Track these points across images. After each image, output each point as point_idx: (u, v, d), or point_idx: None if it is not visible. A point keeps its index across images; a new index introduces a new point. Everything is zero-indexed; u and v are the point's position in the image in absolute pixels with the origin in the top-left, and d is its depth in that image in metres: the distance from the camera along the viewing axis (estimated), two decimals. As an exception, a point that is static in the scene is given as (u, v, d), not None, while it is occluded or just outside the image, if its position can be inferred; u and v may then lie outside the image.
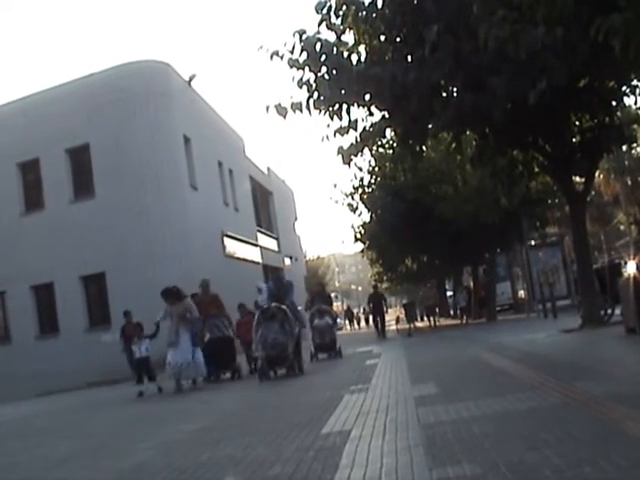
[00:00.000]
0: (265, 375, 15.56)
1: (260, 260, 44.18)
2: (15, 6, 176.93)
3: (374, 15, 15.70)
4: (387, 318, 35.72)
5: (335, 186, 48.83)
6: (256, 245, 44.17)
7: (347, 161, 17.26)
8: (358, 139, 16.92)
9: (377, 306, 33.67)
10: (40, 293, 31.08)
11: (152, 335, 17.46)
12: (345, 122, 16.38)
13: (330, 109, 16.08)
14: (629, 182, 48.50)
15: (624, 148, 37.57)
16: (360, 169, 36.45)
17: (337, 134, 16.40)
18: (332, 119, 16.22)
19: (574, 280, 29.50)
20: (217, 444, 7.56)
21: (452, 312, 51.65)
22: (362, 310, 76.25)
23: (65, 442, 10.15)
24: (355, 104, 16.44)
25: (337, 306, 55.43)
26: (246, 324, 18.51)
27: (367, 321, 64.83)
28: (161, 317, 17.12)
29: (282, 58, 15.68)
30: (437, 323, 41.80)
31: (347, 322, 71.58)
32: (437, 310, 48.23)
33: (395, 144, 21.83)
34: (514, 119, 15.91)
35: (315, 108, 15.99)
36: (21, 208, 32.34)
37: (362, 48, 16.33)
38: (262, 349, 15.63)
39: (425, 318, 46.85)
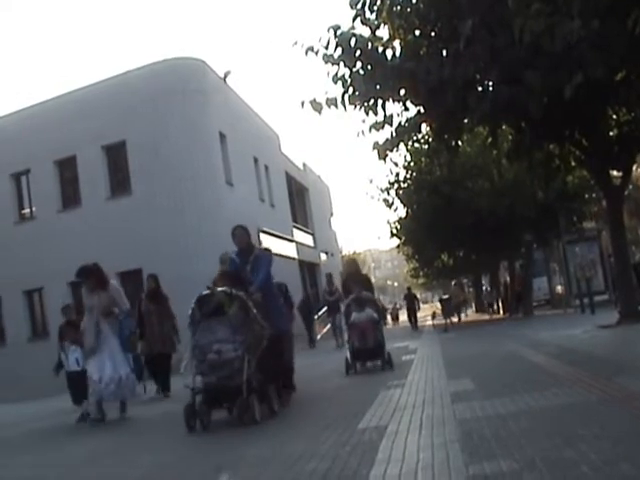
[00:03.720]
0: (200, 420, 8.85)
1: (296, 256, 44.21)
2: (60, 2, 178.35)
3: (409, 10, 15.69)
4: (423, 314, 40.87)
5: (371, 181, 49.00)
6: (292, 241, 44.20)
7: (383, 156, 17.25)
8: (393, 134, 16.89)
9: (410, 304, 41.11)
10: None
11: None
12: (380, 117, 16.37)
13: (365, 104, 16.08)
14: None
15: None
16: (396, 164, 36.34)
17: (372, 129, 16.39)
18: (367, 114, 16.22)
19: (611, 275, 29.31)
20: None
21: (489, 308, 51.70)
22: (395, 305, 76.05)
23: None
24: (390, 99, 16.42)
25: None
26: None
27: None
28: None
29: (317, 54, 15.69)
30: (461, 320, 41.52)
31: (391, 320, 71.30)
32: (463, 307, 48.20)
33: (430, 139, 21.72)
34: (550, 113, 15.79)
35: (350, 103, 15.98)
36: (58, 205, 32.59)
37: (397, 43, 16.32)
38: (196, 371, 9.02)
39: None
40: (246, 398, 8.60)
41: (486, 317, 46.23)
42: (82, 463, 8.15)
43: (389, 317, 71.55)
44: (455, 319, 37.53)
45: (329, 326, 31.81)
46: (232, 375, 8.85)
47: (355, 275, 16.14)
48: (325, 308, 30.52)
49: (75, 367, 13.05)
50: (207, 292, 9.51)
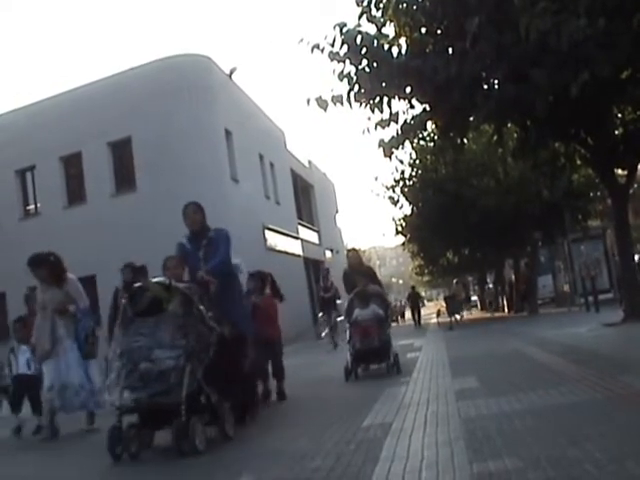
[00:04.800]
0: (127, 447, 7.08)
1: (301, 253, 44.24)
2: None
3: (415, 7, 15.67)
4: (428, 311, 46.69)
5: (376, 179, 49.09)
6: (297, 238, 44.23)
7: (388, 154, 17.22)
8: (399, 132, 16.86)
9: (414, 302, 43.60)
10: (83, 286, 31.20)
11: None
12: (386, 115, 16.35)
13: (371, 102, 16.06)
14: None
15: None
16: (401, 162, 36.28)
17: (378, 127, 16.36)
18: (373, 112, 16.20)
19: (616, 273, 29.27)
20: None
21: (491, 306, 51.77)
22: (399, 303, 75.98)
23: None
24: (396, 97, 16.41)
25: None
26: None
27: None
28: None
29: (323, 51, 15.67)
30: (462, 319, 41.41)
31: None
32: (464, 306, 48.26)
33: (436, 137, 21.71)
34: (556, 111, 15.78)
35: (356, 101, 15.98)
36: (64, 202, 32.64)
37: (403, 40, 16.29)
38: (124, 384, 7.20)
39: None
40: (185, 421, 6.74)
41: (489, 315, 46.20)
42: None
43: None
44: (459, 317, 37.47)
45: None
46: (168, 390, 6.95)
47: (358, 267, 14.36)
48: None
49: (25, 370, 11.34)
50: (139, 284, 7.91)
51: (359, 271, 13.94)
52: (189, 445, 6.69)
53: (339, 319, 23.05)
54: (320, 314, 26.58)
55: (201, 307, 7.45)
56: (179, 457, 6.66)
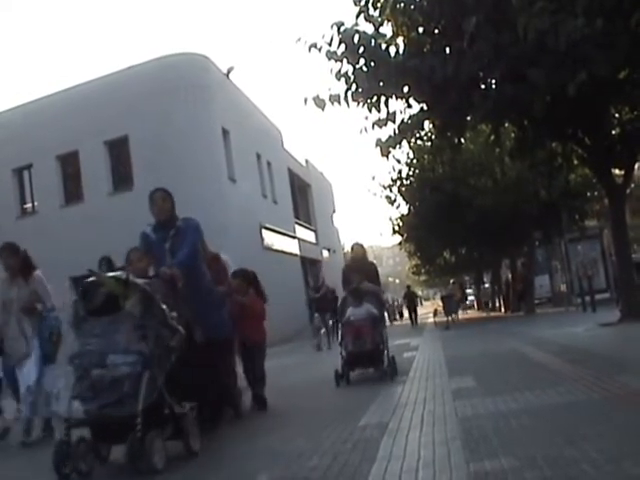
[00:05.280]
0: (75, 466, 6.05)
1: (298, 252, 44.30)
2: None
3: (412, 7, 15.67)
4: (425, 311, 40.89)
5: (373, 178, 49.13)
6: (294, 237, 44.30)
7: (385, 153, 17.22)
8: (396, 131, 16.87)
9: (411, 301, 43.54)
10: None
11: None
12: (383, 114, 16.35)
13: (368, 101, 16.07)
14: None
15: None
16: (398, 161, 36.27)
17: (375, 126, 16.36)
18: (370, 111, 16.20)
19: (613, 273, 29.29)
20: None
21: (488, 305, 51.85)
22: (397, 302, 76.11)
23: None
24: (393, 96, 16.41)
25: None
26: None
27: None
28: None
29: (320, 50, 15.66)
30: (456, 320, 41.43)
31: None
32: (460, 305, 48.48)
33: (433, 136, 21.71)
34: (553, 111, 15.80)
35: (353, 100, 15.97)
36: (61, 200, 32.66)
37: (400, 40, 16.28)
38: (73, 393, 6.23)
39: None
40: (141, 436, 5.80)
41: (486, 315, 46.27)
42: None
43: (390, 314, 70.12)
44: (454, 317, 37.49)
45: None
46: (121, 401, 5.99)
47: (359, 263, 13.41)
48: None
49: None
50: (92, 279, 6.84)
51: (360, 267, 13.04)
52: (146, 463, 5.83)
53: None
54: (316, 315, 25.60)
55: (163, 306, 6.56)
56: (138, 475, 5.90)
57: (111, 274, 6.93)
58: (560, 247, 35.22)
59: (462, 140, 19.85)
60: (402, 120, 16.95)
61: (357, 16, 15.91)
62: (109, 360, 6.18)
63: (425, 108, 17.13)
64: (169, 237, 7.93)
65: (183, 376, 6.76)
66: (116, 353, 6.21)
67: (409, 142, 25.26)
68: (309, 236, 50.16)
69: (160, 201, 8.19)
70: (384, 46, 16.15)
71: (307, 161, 54.87)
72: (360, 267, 13.06)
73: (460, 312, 43.92)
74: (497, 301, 49.01)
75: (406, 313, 68.99)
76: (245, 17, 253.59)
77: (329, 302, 24.47)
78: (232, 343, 9.13)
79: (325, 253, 53.05)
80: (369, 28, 16.12)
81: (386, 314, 15.23)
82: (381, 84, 15.91)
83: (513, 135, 20.59)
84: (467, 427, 6.18)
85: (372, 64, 15.84)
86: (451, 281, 48.75)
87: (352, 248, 14.25)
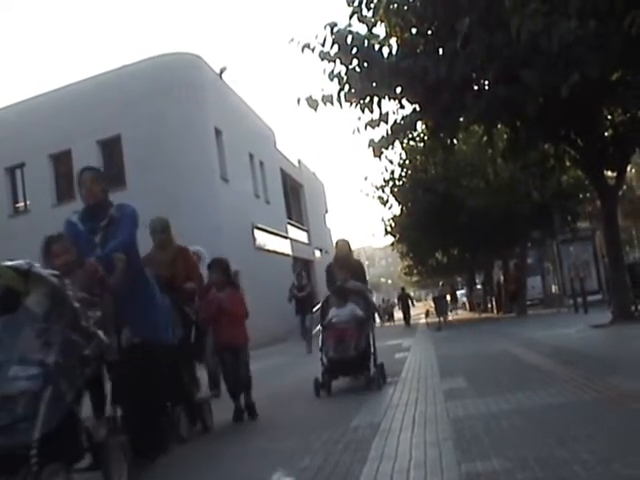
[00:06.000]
0: None
1: (290, 252, 44.29)
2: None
3: (405, 8, 15.67)
4: (417, 311, 47.44)
5: (366, 179, 49.21)
6: (286, 237, 44.29)
7: (378, 154, 17.24)
8: (389, 132, 16.87)
9: (404, 302, 44.37)
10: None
11: None
12: (376, 115, 16.35)
13: (361, 102, 16.06)
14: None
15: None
16: (391, 162, 36.30)
17: (368, 127, 16.37)
18: (363, 112, 16.20)
19: (605, 275, 29.34)
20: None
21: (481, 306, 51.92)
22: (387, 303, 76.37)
23: None
24: (386, 97, 16.41)
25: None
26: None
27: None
28: None
29: (313, 51, 15.66)
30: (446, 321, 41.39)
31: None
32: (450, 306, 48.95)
33: (426, 137, 21.69)
34: (546, 112, 15.82)
35: (346, 101, 15.97)
36: (53, 199, 32.61)
37: (393, 41, 16.28)
38: None
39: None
40: (37, 471, 4.44)
41: (478, 316, 46.32)
42: None
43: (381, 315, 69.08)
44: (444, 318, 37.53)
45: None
46: (13, 426, 4.59)
47: (344, 260, 12.22)
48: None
49: None
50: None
51: (345, 264, 11.84)
52: None
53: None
54: (299, 315, 24.01)
55: (76, 304, 5.22)
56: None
57: (9, 263, 5.28)
58: (552, 248, 35.31)
59: (455, 141, 19.85)
60: (395, 121, 16.96)
61: (350, 17, 15.91)
62: (1, 373, 4.83)
63: (418, 109, 17.13)
64: (100, 228, 6.63)
65: (114, 391, 5.93)
66: (10, 363, 4.85)
67: (402, 143, 25.28)
68: (301, 236, 50.17)
69: (89, 182, 6.77)
70: (377, 47, 16.15)
71: (300, 161, 54.89)
72: (345, 263, 11.94)
73: (450, 313, 44.11)
74: (489, 302, 49.04)
75: (397, 314, 69.34)
76: (238, 17, 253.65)
77: (314, 302, 23.52)
78: (172, 350, 7.44)
79: (317, 253, 53.03)
80: (362, 29, 16.14)
81: (377, 315, 14.51)
82: (374, 85, 15.91)
83: (506, 136, 20.58)
84: (459, 428, 6.18)
85: (365, 65, 15.84)
86: (440, 283, 48.82)
87: (336, 244, 12.96)
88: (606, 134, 18.93)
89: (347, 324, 10.56)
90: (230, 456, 6.56)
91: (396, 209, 40.51)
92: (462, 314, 55.63)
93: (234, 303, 8.92)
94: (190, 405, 8.10)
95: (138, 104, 30.54)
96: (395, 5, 15.59)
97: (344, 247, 12.55)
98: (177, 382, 7.71)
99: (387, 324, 51.43)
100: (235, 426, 8.49)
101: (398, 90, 16.25)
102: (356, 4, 15.84)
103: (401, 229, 41.66)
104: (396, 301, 60.20)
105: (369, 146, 16.91)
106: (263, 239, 38.23)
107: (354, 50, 15.69)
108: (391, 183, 37.76)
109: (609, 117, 19.01)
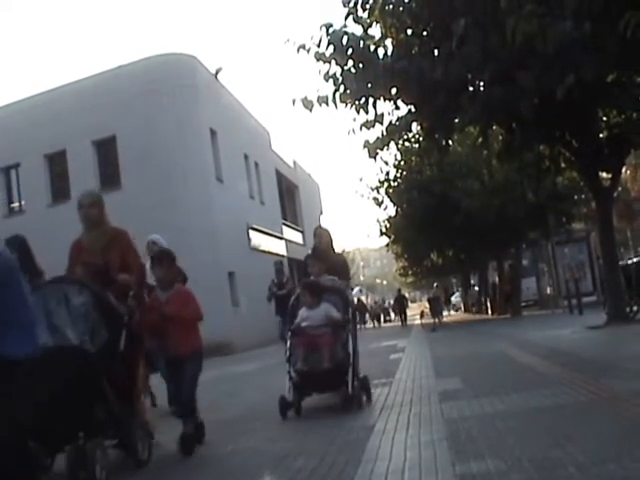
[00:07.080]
0: None
1: (285, 253, 44.26)
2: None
3: (401, 9, 15.66)
4: (412, 312, 49.38)
5: (361, 180, 49.15)
6: (281, 238, 44.30)
7: (373, 155, 17.22)
8: (384, 133, 16.84)
9: (400, 304, 47.25)
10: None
11: None
12: (371, 116, 16.31)
13: (356, 103, 16.04)
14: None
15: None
16: (386, 163, 36.27)
17: (363, 128, 16.33)
18: (358, 113, 16.17)
19: (600, 276, 29.34)
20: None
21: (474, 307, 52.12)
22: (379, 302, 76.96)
23: None
24: (381, 98, 16.38)
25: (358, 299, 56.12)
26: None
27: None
28: None
29: (309, 51, 15.63)
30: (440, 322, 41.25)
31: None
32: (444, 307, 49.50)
33: (421, 138, 21.69)
34: (541, 114, 15.80)
35: (341, 102, 15.94)
36: (48, 199, 32.59)
37: (389, 42, 16.27)
38: None
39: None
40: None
41: (472, 317, 46.40)
42: None
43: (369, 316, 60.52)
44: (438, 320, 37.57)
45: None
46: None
47: (323, 251, 10.24)
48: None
49: None
50: None
51: (321, 256, 9.82)
52: None
53: None
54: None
55: None
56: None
57: None
58: (547, 250, 35.28)
59: (450, 142, 19.81)
60: (390, 122, 16.94)
61: (346, 17, 15.88)
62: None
63: (413, 110, 17.10)
64: None
65: None
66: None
67: (397, 144, 25.24)
68: (296, 237, 50.20)
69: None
70: (373, 48, 16.14)
71: (295, 162, 54.89)
72: (323, 256, 9.88)
73: (444, 315, 44.20)
74: (484, 303, 49.09)
75: (392, 315, 69.63)
76: (233, 18, 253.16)
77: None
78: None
79: (312, 254, 53.03)
80: (358, 30, 16.11)
81: (368, 316, 13.29)
82: (369, 86, 15.89)
83: (501, 137, 20.58)
84: (453, 429, 6.18)
85: (360, 66, 15.82)
86: (435, 284, 48.91)
87: (315, 233, 10.89)
88: (601, 135, 18.92)
89: (320, 329, 8.55)
90: (222, 456, 6.53)
91: (391, 210, 40.57)
92: (457, 315, 55.66)
93: (178, 305, 7.22)
94: (121, 431, 6.24)
95: (133, 104, 30.55)
96: (391, 6, 15.59)
97: (323, 236, 10.63)
98: (82, 404, 5.33)
99: (373, 325, 51.88)
100: (227, 426, 8.39)
101: (393, 91, 16.23)
102: (352, 5, 15.81)
103: (396, 230, 41.67)
104: (392, 302, 62.77)
105: (364, 147, 16.89)
106: (258, 240, 38.23)
107: (349, 51, 15.66)
108: (386, 184, 37.76)
109: (604, 118, 19.00)
